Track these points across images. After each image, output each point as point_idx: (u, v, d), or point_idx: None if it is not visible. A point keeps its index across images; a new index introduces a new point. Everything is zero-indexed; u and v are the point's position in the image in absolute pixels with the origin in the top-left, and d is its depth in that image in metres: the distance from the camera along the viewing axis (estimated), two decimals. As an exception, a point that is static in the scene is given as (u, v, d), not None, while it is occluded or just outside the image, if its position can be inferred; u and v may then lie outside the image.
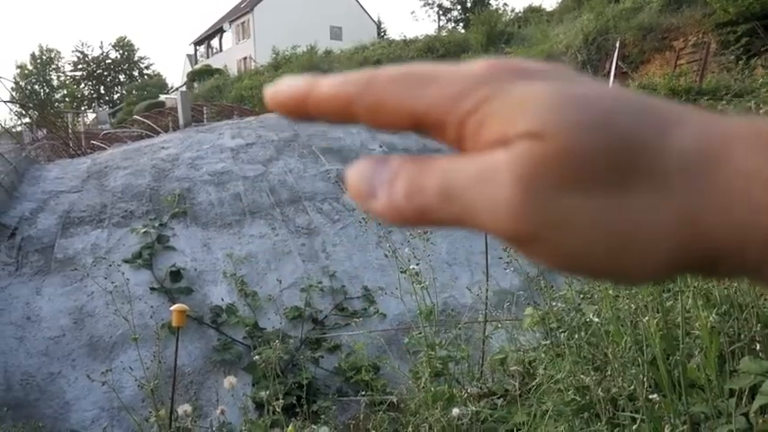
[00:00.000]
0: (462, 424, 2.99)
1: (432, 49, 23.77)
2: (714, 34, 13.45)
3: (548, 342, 2.94)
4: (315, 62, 28.25)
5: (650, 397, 1.98)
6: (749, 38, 11.89)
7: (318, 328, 5.00)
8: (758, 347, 1.92)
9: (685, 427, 1.85)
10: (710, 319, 2.13)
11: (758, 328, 2.00)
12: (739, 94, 8.68)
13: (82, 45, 56.95)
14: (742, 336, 2.07)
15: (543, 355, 3.12)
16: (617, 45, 15.58)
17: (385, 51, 24.89)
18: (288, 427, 3.04)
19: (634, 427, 2.05)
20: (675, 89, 10.80)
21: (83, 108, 46.68)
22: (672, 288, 2.86)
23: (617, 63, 15.15)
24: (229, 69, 37.21)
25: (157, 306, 4.79)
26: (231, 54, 43.57)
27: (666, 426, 1.75)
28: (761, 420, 1.70)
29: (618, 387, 2.12)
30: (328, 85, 0.28)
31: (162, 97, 33.38)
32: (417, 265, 3.38)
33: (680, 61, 14.04)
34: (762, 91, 6.78)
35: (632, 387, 2.11)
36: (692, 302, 2.22)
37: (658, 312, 2.40)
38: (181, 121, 9.76)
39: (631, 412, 2.10)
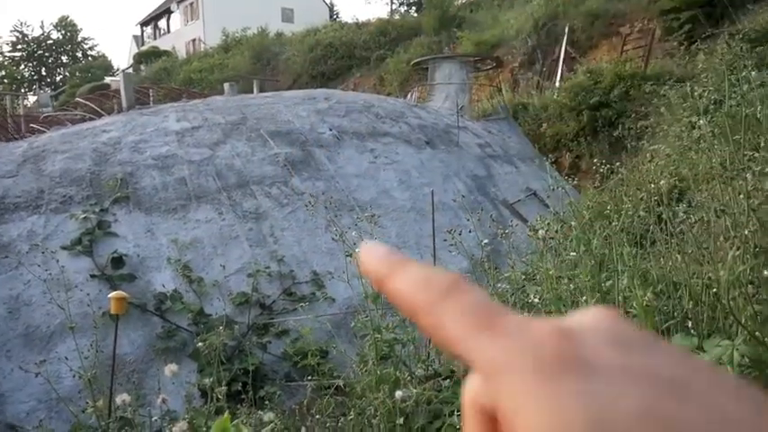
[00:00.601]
0: (407, 406, 3.00)
1: (384, 32, 23.60)
2: (659, 21, 13.74)
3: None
4: (266, 44, 27.75)
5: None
6: (691, 25, 12.18)
7: (266, 314, 4.94)
8: (690, 324, 1.96)
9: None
10: (646, 297, 2.17)
11: (690, 306, 2.04)
12: (681, 80, 8.89)
13: (21, 24, 54.46)
14: (675, 313, 2.12)
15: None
16: (566, 31, 15.78)
17: (337, 34, 24.58)
18: (230, 413, 2.98)
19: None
20: (621, 74, 11.00)
21: (23, 90, 44.81)
22: (610, 268, 2.91)
23: (566, 49, 15.36)
24: (178, 51, 36.25)
25: (97, 294, 4.64)
26: (179, 36, 42.43)
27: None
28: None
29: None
30: (405, 285, 0.27)
31: (107, 79, 32.35)
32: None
33: (626, 47, 14.31)
34: (702, 76, 6.95)
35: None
36: (628, 282, 2.26)
37: (597, 292, 2.44)
38: (124, 104, 9.45)
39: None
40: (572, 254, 2.74)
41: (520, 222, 6.22)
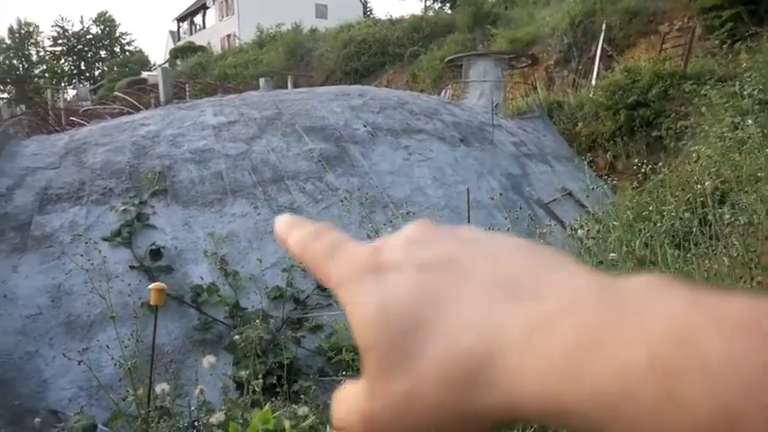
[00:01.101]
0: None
1: (417, 29, 23.54)
2: (699, 19, 13.43)
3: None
4: (299, 41, 27.91)
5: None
6: (734, 23, 11.89)
7: (300, 308, 4.98)
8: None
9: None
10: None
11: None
12: (723, 79, 8.69)
13: (62, 20, 55.57)
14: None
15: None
16: (603, 28, 15.54)
17: (371, 31, 24.60)
18: (266, 406, 3.02)
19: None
20: (660, 73, 10.79)
21: (63, 84, 45.81)
22: (652, 271, 2.86)
23: (603, 46, 15.13)
24: (213, 47, 36.68)
25: (136, 285, 4.73)
26: (215, 31, 42.95)
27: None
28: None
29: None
30: (294, 240, 0.36)
31: (144, 74, 32.88)
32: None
33: (665, 45, 14.04)
34: (744, 76, 6.78)
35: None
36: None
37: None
38: (162, 98, 9.61)
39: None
40: (612, 255, 2.71)
41: (555, 222, 6.16)
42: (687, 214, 2.48)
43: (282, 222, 0.37)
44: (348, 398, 0.31)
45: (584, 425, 0.23)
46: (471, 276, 0.28)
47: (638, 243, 2.39)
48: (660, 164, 3.36)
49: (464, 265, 0.29)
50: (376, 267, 0.30)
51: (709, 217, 2.30)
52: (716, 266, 2.16)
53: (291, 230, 0.36)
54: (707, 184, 2.29)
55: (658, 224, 2.35)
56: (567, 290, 0.26)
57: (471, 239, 0.32)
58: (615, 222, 2.52)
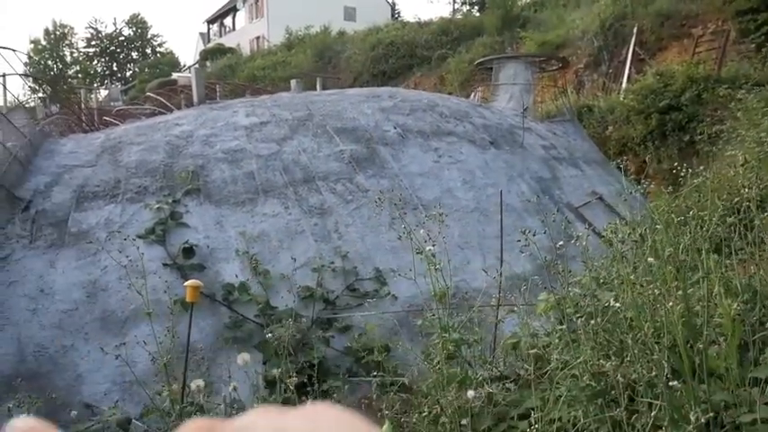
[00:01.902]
0: (475, 407, 2.98)
1: (446, 31, 23.47)
2: (734, 22, 13.19)
3: (563, 327, 2.91)
4: (328, 43, 28.04)
5: (671, 384, 1.96)
6: (770, 26, 11.67)
7: (330, 309, 5.00)
8: (783, 337, 1.88)
9: (707, 414, 1.83)
10: (734, 307, 2.10)
11: (783, 317, 1.96)
12: (759, 83, 8.52)
13: (95, 21, 56.41)
14: (766, 324, 2.04)
15: (557, 341, 3.10)
16: (634, 31, 15.34)
17: (399, 33, 24.61)
18: (298, 404, 3.04)
19: (653, 414, 2.02)
20: (693, 77, 10.62)
21: (95, 84, 46.64)
22: (692, 276, 2.82)
23: (634, 50, 14.94)
24: (242, 48, 37.03)
25: (170, 282, 4.79)
26: (244, 33, 43.33)
27: (691, 413, 1.72)
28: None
29: (637, 373, 2.09)
30: None
31: (174, 75, 33.29)
32: (434, 246, 3.35)
33: (698, 49, 13.82)
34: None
35: (652, 373, 2.08)
36: (714, 290, 2.18)
37: (680, 300, 2.37)
38: (195, 99, 9.73)
39: (650, 398, 2.08)
40: (650, 259, 2.67)
41: (586, 227, 6.09)
42: (730, 219, 2.44)
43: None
44: None
45: None
46: None
47: (680, 247, 2.35)
48: (695, 168, 3.31)
49: None
50: None
51: (755, 222, 2.26)
52: (761, 272, 2.12)
53: None
54: (753, 189, 2.25)
55: (699, 228, 2.32)
56: None
57: None
58: (657, 226, 2.49)
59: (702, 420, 1.71)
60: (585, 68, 16.73)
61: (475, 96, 13.86)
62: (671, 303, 2.03)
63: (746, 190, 2.20)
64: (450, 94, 15.60)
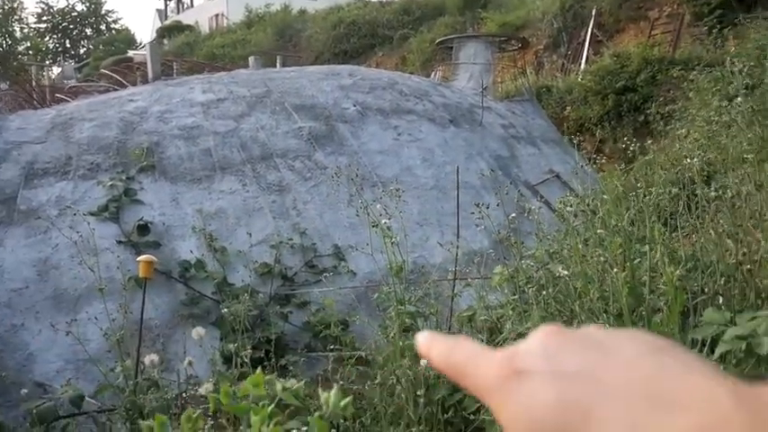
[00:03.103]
0: (430, 377, 3.03)
1: (407, 11, 23.38)
2: (688, 5, 13.47)
3: (515, 297, 2.97)
4: (289, 21, 27.66)
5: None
6: (722, 10, 11.93)
7: (288, 285, 4.99)
8: (721, 301, 1.96)
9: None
10: (676, 274, 2.17)
11: (721, 282, 2.04)
12: (710, 65, 8.73)
13: (46, -4, 54.57)
14: (706, 290, 2.12)
15: (511, 312, 3.16)
16: (593, 13, 15.54)
17: (360, 12, 24.41)
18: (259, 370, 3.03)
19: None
20: (649, 59, 10.84)
21: (47, 62, 45.08)
22: (638, 248, 2.90)
23: (593, 31, 15.13)
24: (201, 26, 36.25)
25: (124, 259, 4.72)
26: (203, 10, 42.42)
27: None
28: (722, 368, 1.74)
29: (584, 338, 2.16)
30: (434, 355, 0.40)
31: (130, 53, 32.44)
32: (390, 219, 3.37)
33: (654, 31, 14.10)
34: (732, 61, 6.83)
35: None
36: (658, 258, 2.25)
37: (625, 269, 2.43)
38: (150, 75, 9.50)
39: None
40: (600, 231, 2.74)
41: (543, 204, 6.19)
42: (675, 190, 2.51)
43: (423, 338, 0.42)
44: None
45: None
46: (611, 388, 0.30)
47: (625, 217, 2.41)
48: (649, 142, 3.39)
49: (601, 375, 0.31)
50: (515, 375, 0.34)
51: (697, 191, 2.34)
52: (701, 240, 2.20)
53: (432, 345, 0.40)
54: (694, 160, 2.32)
55: (645, 198, 2.38)
56: (711, 403, 0.27)
57: (601, 344, 0.33)
58: (604, 196, 2.55)
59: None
60: (545, 49, 16.90)
61: (435, 75, 13.87)
62: (615, 270, 2.08)
63: (687, 160, 2.27)
64: (411, 74, 15.58)
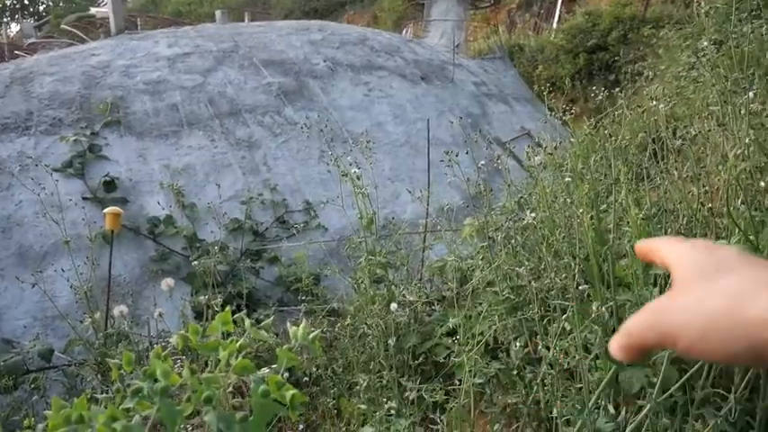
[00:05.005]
0: (401, 324, 3.06)
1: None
2: (660, -37, 13.47)
3: (484, 245, 3.00)
4: (257, -22, 26.93)
5: (580, 287, 2.05)
6: (693, -32, 11.97)
7: (259, 240, 4.97)
8: (683, 241, 2.00)
9: (610, 313, 1.94)
10: (640, 216, 2.21)
11: (684, 222, 2.08)
12: (680, 23, 8.77)
13: (2, -50, 52.19)
14: (669, 231, 2.16)
15: (480, 261, 3.20)
16: (566, -29, 15.42)
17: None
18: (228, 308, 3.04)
19: (564, 317, 2.13)
20: (620, 17, 10.85)
21: (5, 20, 43.38)
22: (604, 193, 2.95)
23: (565, -10, 15.05)
24: (166, -18, 35.11)
25: (91, 216, 4.63)
26: (167, -34, 41.01)
27: (593, 304, 1.82)
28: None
29: (550, 279, 2.19)
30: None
31: (92, 10, 31.34)
32: (359, 169, 3.36)
33: (626, -10, 14.06)
34: (700, 19, 6.86)
35: (564, 280, 2.18)
36: (623, 199, 2.29)
37: (593, 209, 2.47)
38: (113, 29, 9.20)
39: (561, 301, 2.18)
40: (567, 179, 2.76)
41: (514, 161, 6.23)
42: (642, 134, 2.54)
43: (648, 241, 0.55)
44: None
45: None
46: (745, 275, 0.43)
47: (592, 162, 2.44)
48: (616, 93, 3.41)
49: (739, 269, 0.44)
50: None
51: (662, 134, 2.36)
52: (666, 184, 2.23)
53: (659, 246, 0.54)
54: (660, 105, 2.35)
55: (610, 144, 2.40)
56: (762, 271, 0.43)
57: (731, 256, 0.47)
58: (572, 140, 2.57)
59: (606, 313, 1.81)
60: (518, 8, 16.77)
61: (406, 33, 13.71)
62: (581, 210, 2.11)
63: (654, 103, 2.29)
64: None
